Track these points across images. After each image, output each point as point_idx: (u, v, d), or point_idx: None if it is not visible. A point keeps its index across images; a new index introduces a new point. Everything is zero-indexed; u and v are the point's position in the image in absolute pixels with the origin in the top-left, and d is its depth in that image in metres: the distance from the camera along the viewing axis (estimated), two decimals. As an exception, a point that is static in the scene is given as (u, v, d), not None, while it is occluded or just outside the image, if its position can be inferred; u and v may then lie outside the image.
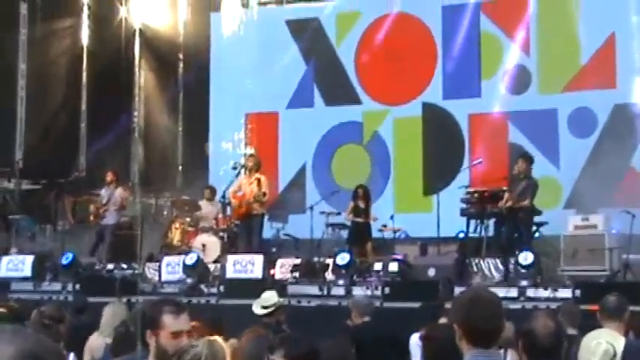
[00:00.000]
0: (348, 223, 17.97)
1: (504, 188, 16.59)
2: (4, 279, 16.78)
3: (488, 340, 4.47)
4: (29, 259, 17.35)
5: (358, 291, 14.38)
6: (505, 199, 16.17)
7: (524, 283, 14.01)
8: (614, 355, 7.35)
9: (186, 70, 25.15)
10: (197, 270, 16.10)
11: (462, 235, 17.28)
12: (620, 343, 7.54)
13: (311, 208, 18.26)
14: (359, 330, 10.35)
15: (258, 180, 17.36)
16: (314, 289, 15.04)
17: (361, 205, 17.75)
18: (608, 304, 8.11)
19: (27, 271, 17.07)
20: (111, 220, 19.48)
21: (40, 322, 7.23)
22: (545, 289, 13.78)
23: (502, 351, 5.87)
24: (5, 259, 17.66)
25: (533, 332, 5.66)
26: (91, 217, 19.94)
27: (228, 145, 23.07)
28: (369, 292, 14.15)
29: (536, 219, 16.50)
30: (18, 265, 17.29)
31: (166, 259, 16.89)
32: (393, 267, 15.34)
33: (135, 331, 6.72)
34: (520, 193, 16.10)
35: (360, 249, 17.34)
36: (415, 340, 8.68)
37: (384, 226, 18.00)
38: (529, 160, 16.80)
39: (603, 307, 8.12)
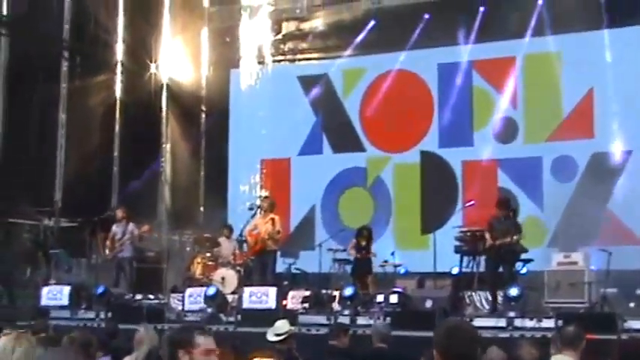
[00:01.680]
0: (352, 258, 17.94)
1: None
2: (44, 307, 16.77)
3: None
4: (66, 289, 17.33)
5: (362, 321, 14.33)
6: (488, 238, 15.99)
7: (511, 314, 13.94)
8: None
9: (208, 121, 25.32)
10: (217, 300, 16.07)
11: (456, 271, 17.22)
12: None
13: (319, 245, 18.24)
14: (375, 354, 10.37)
15: (273, 220, 17.34)
16: (322, 319, 14.97)
17: (362, 243, 17.71)
18: (567, 333, 8.11)
19: (64, 300, 17.05)
20: (127, 253, 19.24)
21: (70, 346, 7.27)
22: (531, 319, 13.70)
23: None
24: (45, 289, 17.64)
25: (518, 359, 5.69)
26: (107, 251, 19.72)
27: (245, 187, 23.13)
28: (372, 322, 14.10)
29: (523, 256, 16.47)
30: (56, 294, 17.27)
31: (189, 291, 16.85)
32: (394, 299, 15.29)
33: (163, 356, 6.77)
34: (504, 232, 16.02)
35: (362, 282, 17.29)
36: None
37: (385, 261, 17.98)
38: (513, 209, 16.75)
39: (562, 336, 8.12)
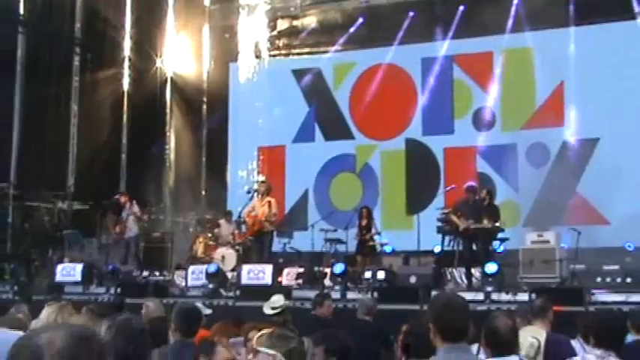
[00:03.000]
0: (344, 239, 17.90)
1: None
2: (59, 283, 16.77)
3: (458, 337, 4.52)
4: (79, 266, 17.31)
5: (352, 295, 14.33)
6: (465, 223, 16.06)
7: (489, 288, 13.97)
8: (539, 346, 7.46)
9: (209, 111, 25.29)
10: (217, 277, 16.06)
11: (438, 249, 17.25)
12: (543, 336, 7.64)
13: (312, 226, 18.31)
14: (356, 325, 10.35)
15: (269, 203, 17.35)
16: (314, 294, 15.01)
17: (363, 222, 17.67)
18: (535, 305, 8.18)
19: (77, 277, 17.02)
20: (132, 232, 19.41)
21: (87, 316, 7.31)
22: (507, 293, 13.73)
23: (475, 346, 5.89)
24: (60, 266, 17.62)
25: (495, 329, 5.70)
26: (114, 235, 19.80)
27: (243, 173, 23.12)
28: (360, 296, 14.12)
29: (500, 235, 16.52)
30: (70, 271, 17.24)
31: (192, 268, 16.83)
32: (381, 275, 15.31)
33: (168, 328, 6.80)
34: (475, 215, 16.09)
35: (364, 261, 17.23)
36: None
37: (371, 239, 17.97)
38: (489, 191, 16.83)
39: (532, 308, 8.19)
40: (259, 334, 5.00)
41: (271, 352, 4.71)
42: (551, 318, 7.93)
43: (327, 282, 15.69)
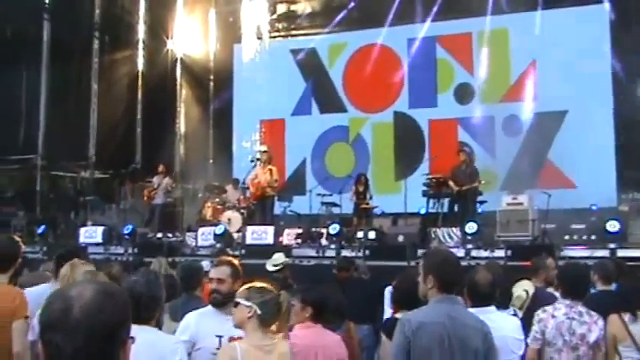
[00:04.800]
0: (338, 203, 17.89)
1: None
2: (83, 244, 16.76)
3: (452, 289, 4.56)
4: (100, 229, 17.31)
5: (345, 253, 14.33)
6: (455, 185, 16.24)
7: (469, 246, 14.00)
8: (526, 298, 7.54)
9: (216, 88, 25.24)
10: (224, 238, 16.08)
11: (423, 211, 17.26)
12: (531, 290, 7.73)
13: (310, 191, 18.25)
14: (357, 281, 10.39)
15: (270, 170, 17.31)
16: (312, 252, 15.03)
17: (360, 188, 17.65)
18: (532, 263, 8.29)
19: (99, 238, 17.03)
20: (159, 200, 19.56)
21: (109, 275, 7.33)
22: (485, 250, 13.79)
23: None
24: (83, 229, 17.62)
25: (475, 282, 5.71)
26: (145, 198, 20.02)
27: (247, 144, 23.08)
28: (353, 254, 14.14)
29: (479, 198, 16.58)
30: (92, 234, 17.25)
31: (201, 230, 16.85)
32: (372, 235, 15.33)
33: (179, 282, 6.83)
34: (468, 178, 16.20)
35: (359, 222, 17.22)
36: (390, 290, 8.70)
37: (367, 203, 17.96)
38: (468, 153, 16.96)
39: (533, 264, 8.31)
40: (241, 288, 5.07)
41: (248, 303, 4.81)
42: (545, 276, 7.99)
43: (323, 241, 15.69)
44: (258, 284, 4.97)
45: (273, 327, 4.87)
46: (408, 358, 4.25)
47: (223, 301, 5.36)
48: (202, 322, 5.35)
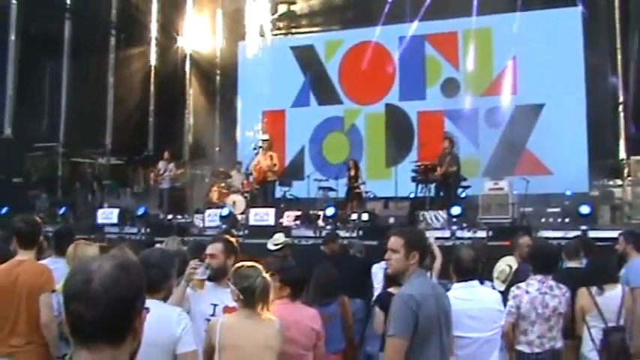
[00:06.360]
0: (334, 187, 17.91)
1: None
2: (100, 224, 16.79)
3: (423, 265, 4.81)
4: (115, 211, 17.33)
5: (341, 234, 14.32)
6: (438, 170, 16.32)
7: (454, 227, 14.05)
8: (509, 273, 7.59)
9: (222, 82, 25.21)
10: (229, 219, 16.11)
11: (412, 195, 17.28)
12: (514, 265, 7.77)
13: (308, 176, 18.28)
14: (350, 258, 10.40)
15: (271, 156, 17.34)
16: (310, 232, 15.06)
17: (352, 173, 17.68)
18: (511, 242, 8.37)
19: (114, 219, 17.05)
20: (165, 185, 19.50)
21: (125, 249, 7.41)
22: (469, 231, 13.83)
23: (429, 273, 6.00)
24: (100, 211, 17.65)
25: (459, 259, 5.76)
26: (151, 182, 20.05)
27: (250, 133, 23.05)
28: (348, 234, 14.16)
29: (463, 183, 16.60)
30: (108, 215, 17.26)
31: (208, 212, 16.87)
32: (365, 217, 15.36)
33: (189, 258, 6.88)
34: (448, 163, 16.25)
35: (352, 205, 17.24)
36: (377, 266, 8.73)
37: (358, 187, 17.96)
38: (451, 140, 17.00)
39: (512, 243, 8.37)
40: (233, 268, 5.15)
41: (233, 288, 4.92)
42: (519, 253, 8.12)
43: (320, 223, 15.73)
44: (246, 267, 5.04)
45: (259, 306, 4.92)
46: (416, 330, 4.31)
47: (215, 275, 5.42)
48: (199, 292, 5.43)
